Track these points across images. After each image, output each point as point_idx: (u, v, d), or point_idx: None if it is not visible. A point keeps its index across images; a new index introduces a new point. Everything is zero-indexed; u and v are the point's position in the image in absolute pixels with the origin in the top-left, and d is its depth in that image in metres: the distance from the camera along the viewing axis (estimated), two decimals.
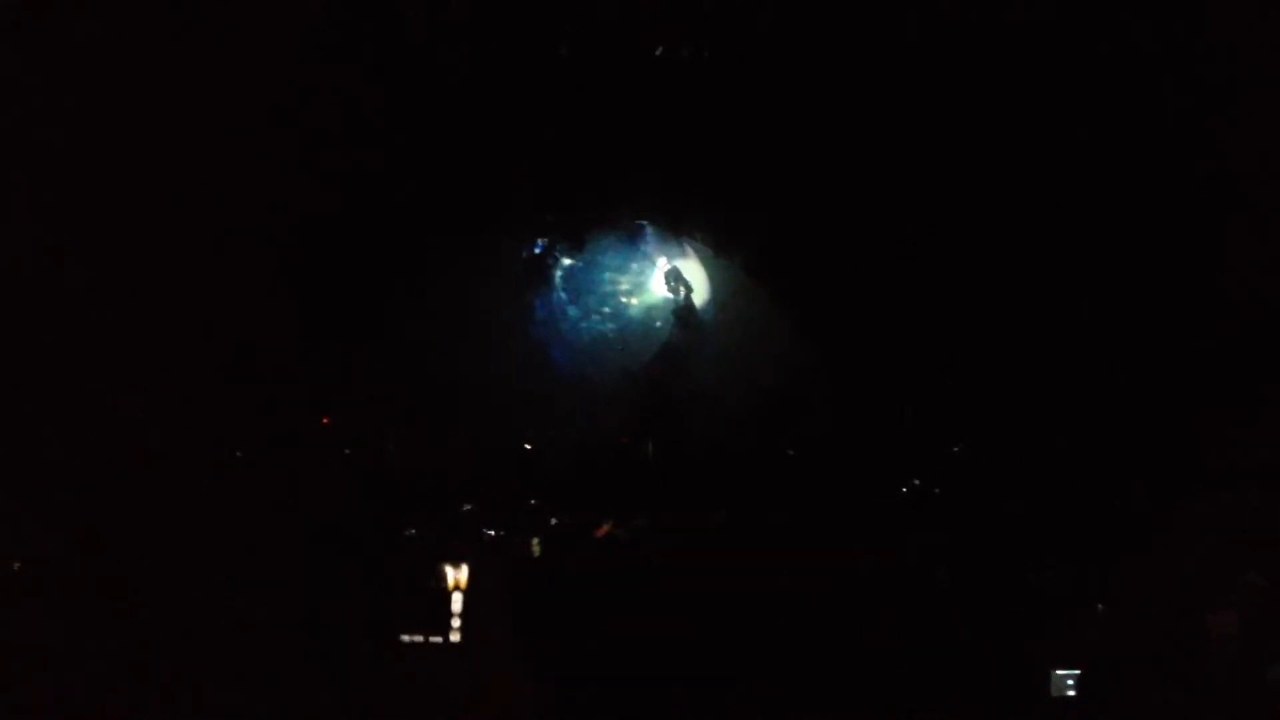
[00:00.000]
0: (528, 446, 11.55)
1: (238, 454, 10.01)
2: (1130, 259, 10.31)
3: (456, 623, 9.29)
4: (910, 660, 8.58)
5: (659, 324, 12.03)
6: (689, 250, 11.97)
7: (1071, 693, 8.50)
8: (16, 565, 7.65)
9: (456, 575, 9.70)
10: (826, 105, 10.79)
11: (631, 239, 12.08)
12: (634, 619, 9.20)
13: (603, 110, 10.94)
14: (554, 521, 10.92)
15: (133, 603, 7.85)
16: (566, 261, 12.02)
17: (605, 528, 10.63)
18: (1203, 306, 10.09)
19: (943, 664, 8.56)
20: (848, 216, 11.12)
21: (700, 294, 11.95)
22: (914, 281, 11.08)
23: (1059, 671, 8.54)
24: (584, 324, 12.05)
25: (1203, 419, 9.91)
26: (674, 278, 11.98)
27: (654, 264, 12.08)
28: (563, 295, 12.04)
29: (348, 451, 10.96)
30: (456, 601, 9.42)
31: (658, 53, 10.73)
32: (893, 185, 10.92)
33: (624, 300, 12.09)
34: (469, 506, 11.01)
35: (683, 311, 11.95)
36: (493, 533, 10.81)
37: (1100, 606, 9.06)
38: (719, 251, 11.85)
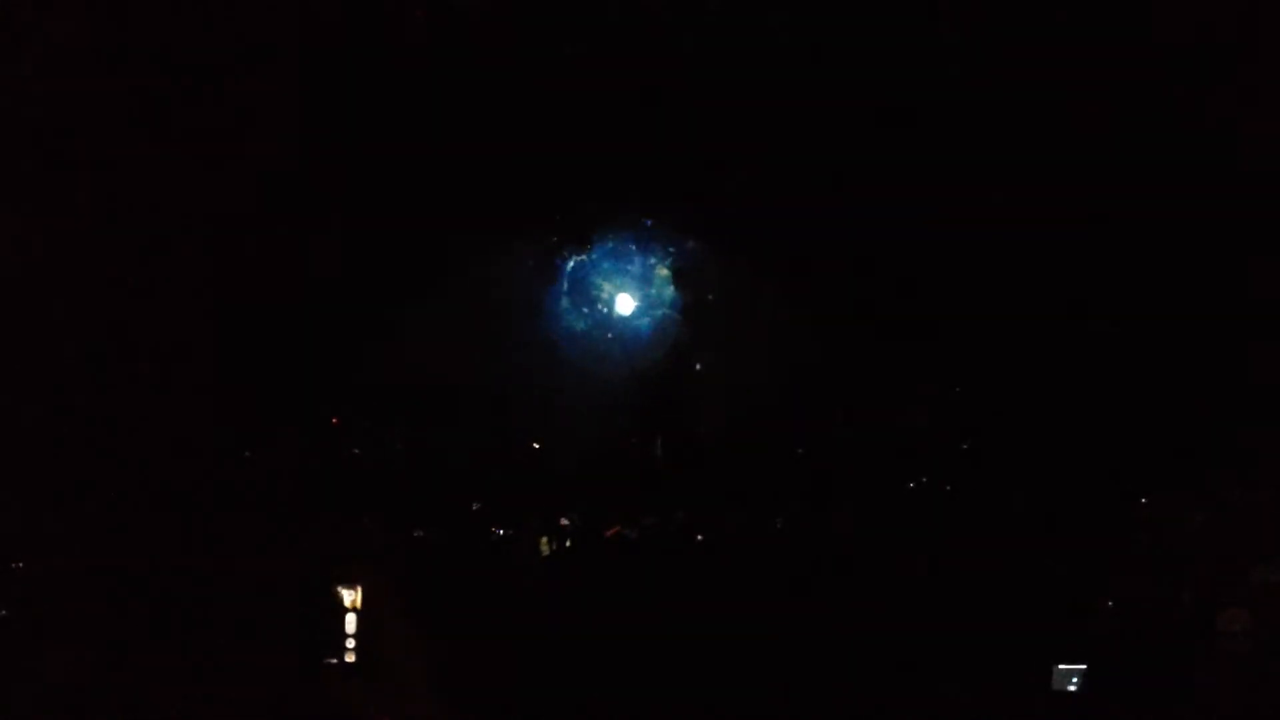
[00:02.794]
0: (536, 446, 11.58)
1: (246, 454, 10.07)
2: (1135, 256, 10.26)
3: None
4: (914, 652, 8.57)
5: (667, 323, 12.02)
6: (697, 249, 11.97)
7: (1073, 687, 8.42)
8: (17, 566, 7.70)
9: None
10: (832, 103, 10.79)
11: (639, 238, 12.09)
12: (643, 619, 9.21)
13: (610, 109, 10.96)
14: (563, 521, 10.93)
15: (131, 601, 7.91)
16: (574, 261, 12.03)
17: (614, 528, 10.64)
18: (1209, 304, 10.04)
19: (948, 657, 8.54)
20: (854, 215, 11.10)
21: (708, 293, 11.94)
22: (921, 279, 11.07)
23: (1062, 666, 8.46)
24: (591, 323, 12.05)
25: (1211, 415, 9.86)
26: (682, 276, 11.98)
27: (662, 263, 12.09)
28: (570, 294, 12.05)
29: (356, 451, 11.02)
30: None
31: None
32: (899, 183, 10.90)
33: (631, 299, 12.09)
34: (477, 506, 11.04)
35: (690, 311, 11.95)
36: (501, 532, 10.84)
37: (1110, 603, 9.02)
38: (727, 250, 11.83)
